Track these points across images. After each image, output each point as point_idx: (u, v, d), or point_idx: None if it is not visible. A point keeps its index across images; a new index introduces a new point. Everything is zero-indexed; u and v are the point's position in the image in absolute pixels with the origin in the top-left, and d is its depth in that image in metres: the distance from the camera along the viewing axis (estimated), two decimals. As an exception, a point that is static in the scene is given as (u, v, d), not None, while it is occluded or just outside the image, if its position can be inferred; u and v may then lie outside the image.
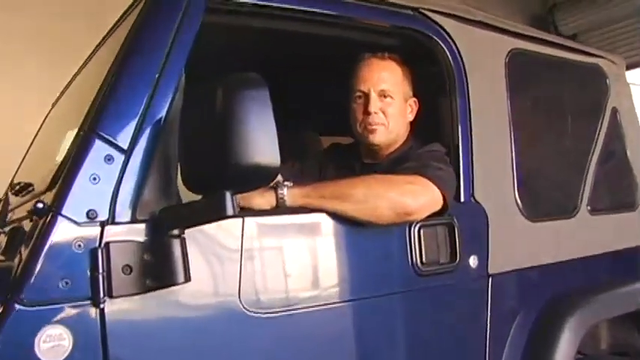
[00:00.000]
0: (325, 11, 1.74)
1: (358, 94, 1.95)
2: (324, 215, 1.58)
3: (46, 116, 2.53)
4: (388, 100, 1.93)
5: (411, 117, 2.03)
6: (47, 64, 3.74)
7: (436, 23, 1.92)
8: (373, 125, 1.93)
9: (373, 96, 1.92)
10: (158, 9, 1.46)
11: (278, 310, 1.46)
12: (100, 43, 2.03)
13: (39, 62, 3.86)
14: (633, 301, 2.31)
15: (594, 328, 2.20)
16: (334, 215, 1.58)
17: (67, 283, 1.20)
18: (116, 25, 1.86)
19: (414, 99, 2.02)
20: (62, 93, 2.39)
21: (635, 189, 2.61)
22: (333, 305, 1.56)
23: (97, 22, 2.31)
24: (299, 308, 1.50)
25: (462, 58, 1.93)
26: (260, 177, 1.22)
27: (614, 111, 2.54)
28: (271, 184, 1.53)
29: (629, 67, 2.83)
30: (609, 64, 2.59)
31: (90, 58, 2.10)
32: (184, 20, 1.43)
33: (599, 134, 2.45)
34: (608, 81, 2.56)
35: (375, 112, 1.92)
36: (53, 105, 2.50)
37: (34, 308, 1.18)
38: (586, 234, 2.27)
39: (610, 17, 6.43)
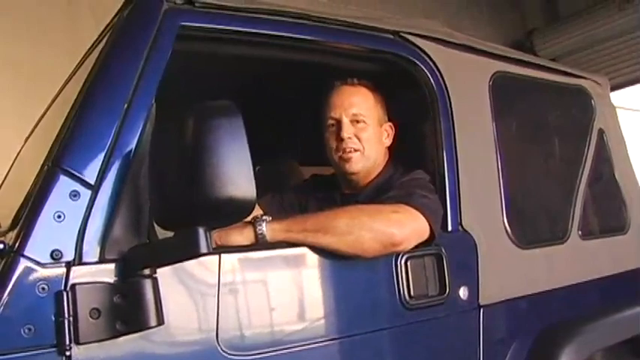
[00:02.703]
0: (302, 37, 1.69)
1: (330, 121, 1.91)
2: (306, 249, 1.51)
3: (19, 151, 2.46)
4: (361, 126, 1.89)
5: (387, 142, 1.98)
6: (24, 96, 3.61)
7: (417, 47, 1.88)
8: (348, 151, 1.88)
9: (345, 121, 1.87)
10: (126, 37, 1.41)
11: (259, 351, 1.38)
12: (72, 73, 1.96)
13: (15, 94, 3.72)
14: (632, 326, 2.25)
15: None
16: (317, 249, 1.52)
17: (30, 329, 1.13)
18: (88, 54, 1.79)
19: (390, 124, 1.98)
20: (35, 126, 2.31)
21: (625, 211, 2.56)
22: (318, 344, 1.48)
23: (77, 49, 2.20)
24: (281, 349, 1.42)
25: (444, 83, 1.89)
26: (235, 211, 1.15)
27: (601, 132, 2.51)
28: (249, 220, 1.47)
29: (611, 89, 2.81)
30: (593, 85, 2.58)
31: (63, 87, 2.03)
32: (154, 48, 1.38)
33: (586, 156, 2.41)
34: (593, 102, 2.54)
35: (349, 138, 1.87)
36: (26, 139, 2.42)
37: (-6, 358, 1.10)
38: (578, 259, 2.22)
39: (589, 41, 6.51)
